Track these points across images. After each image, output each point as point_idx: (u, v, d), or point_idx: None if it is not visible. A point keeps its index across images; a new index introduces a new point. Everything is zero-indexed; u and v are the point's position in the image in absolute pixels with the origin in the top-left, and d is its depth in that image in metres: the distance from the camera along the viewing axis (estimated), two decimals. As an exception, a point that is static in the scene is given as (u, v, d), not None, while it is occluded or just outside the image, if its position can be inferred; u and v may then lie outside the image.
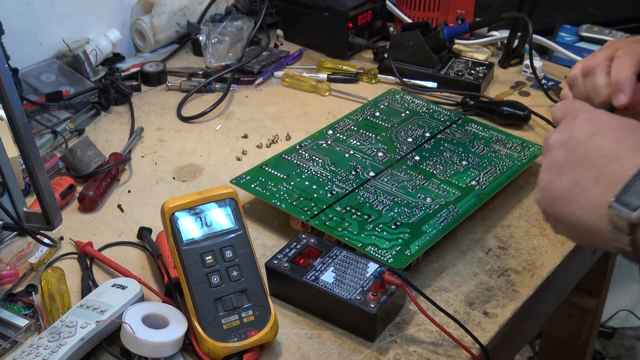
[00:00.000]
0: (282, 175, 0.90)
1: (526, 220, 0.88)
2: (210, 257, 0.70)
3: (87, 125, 1.09)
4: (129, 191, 0.95)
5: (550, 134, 0.60)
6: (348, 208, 0.84)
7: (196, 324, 0.68)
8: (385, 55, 1.22)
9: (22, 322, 0.72)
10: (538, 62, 1.19)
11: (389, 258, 0.77)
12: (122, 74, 1.21)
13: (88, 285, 0.77)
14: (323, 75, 1.21)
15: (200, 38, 1.26)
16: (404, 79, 1.18)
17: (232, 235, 0.71)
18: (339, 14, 1.25)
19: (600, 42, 1.31)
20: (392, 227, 0.81)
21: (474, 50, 1.29)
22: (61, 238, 0.85)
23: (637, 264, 0.55)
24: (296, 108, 1.15)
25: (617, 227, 0.52)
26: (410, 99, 1.09)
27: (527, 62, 1.19)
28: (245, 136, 1.07)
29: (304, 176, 0.90)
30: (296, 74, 1.22)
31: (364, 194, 0.87)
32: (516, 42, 1.24)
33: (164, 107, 1.15)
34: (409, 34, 1.19)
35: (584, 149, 0.56)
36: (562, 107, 0.63)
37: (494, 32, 1.31)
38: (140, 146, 1.05)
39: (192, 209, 0.71)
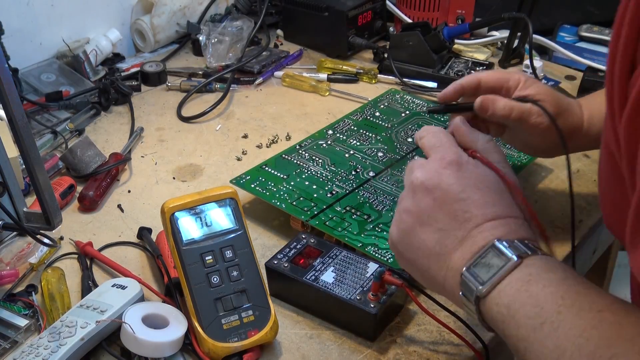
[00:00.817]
0: (282, 175, 0.90)
1: (526, 220, 0.88)
2: (210, 257, 0.70)
3: (87, 125, 1.09)
4: (129, 191, 0.95)
5: (416, 170, 0.60)
6: (348, 208, 0.84)
7: (196, 324, 0.68)
8: (385, 55, 1.22)
9: (22, 322, 0.72)
10: (538, 62, 1.19)
11: (389, 258, 0.77)
12: (122, 74, 1.21)
13: (88, 285, 0.77)
14: (323, 75, 1.21)
15: (200, 38, 1.26)
16: (404, 79, 1.18)
17: (232, 235, 0.71)
18: (339, 14, 1.25)
19: (600, 42, 1.31)
20: (392, 227, 0.81)
21: (474, 50, 1.29)
22: (61, 238, 0.85)
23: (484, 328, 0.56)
24: (296, 108, 1.15)
25: (466, 295, 0.55)
26: (410, 99, 1.09)
27: (527, 62, 1.19)
28: (245, 136, 1.07)
29: (304, 176, 0.90)
30: (296, 74, 1.22)
31: (364, 194, 0.87)
32: (516, 42, 1.24)
33: (164, 107, 1.15)
34: (409, 34, 1.19)
35: (452, 207, 0.57)
36: (433, 137, 0.63)
37: (494, 32, 1.31)
38: (140, 146, 1.05)
39: (192, 209, 0.71)
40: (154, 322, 0.69)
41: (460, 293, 0.56)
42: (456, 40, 1.25)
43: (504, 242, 0.54)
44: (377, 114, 1.05)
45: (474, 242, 0.56)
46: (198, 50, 1.29)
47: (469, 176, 0.59)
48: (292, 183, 0.88)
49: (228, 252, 0.70)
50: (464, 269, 0.55)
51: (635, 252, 0.44)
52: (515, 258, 0.53)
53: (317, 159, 0.93)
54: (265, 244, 0.85)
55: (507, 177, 0.60)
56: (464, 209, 0.57)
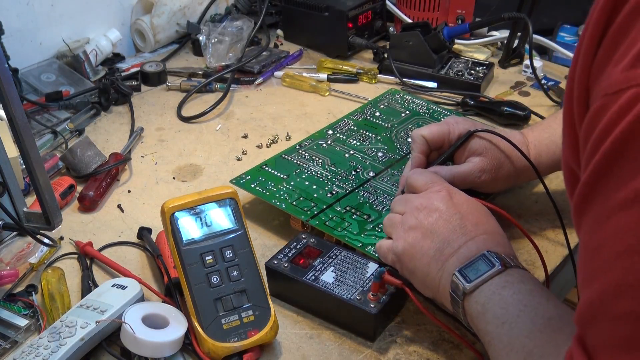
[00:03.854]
0: (282, 175, 0.90)
1: (526, 220, 0.88)
2: (210, 257, 0.70)
3: (87, 125, 1.09)
4: (129, 191, 0.95)
5: (415, 199, 0.71)
6: (348, 208, 0.84)
7: (196, 324, 0.68)
8: (385, 55, 1.22)
9: (22, 322, 0.72)
10: (538, 62, 1.19)
11: (389, 258, 0.77)
12: (122, 74, 1.21)
13: (88, 285, 0.77)
14: (323, 75, 1.21)
15: (200, 38, 1.26)
16: (404, 79, 1.18)
17: (232, 235, 0.71)
18: (339, 14, 1.25)
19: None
20: (392, 227, 0.81)
21: (474, 50, 1.29)
22: (61, 238, 0.85)
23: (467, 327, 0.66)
24: (296, 108, 1.15)
25: (454, 291, 0.64)
26: (410, 99, 1.09)
27: (527, 62, 1.19)
28: (245, 136, 1.07)
29: (304, 176, 0.90)
30: (296, 74, 1.22)
31: (364, 194, 0.87)
32: (516, 42, 1.24)
33: (164, 107, 1.15)
34: (409, 34, 1.19)
35: (450, 224, 0.68)
36: (423, 176, 0.74)
37: (494, 32, 1.31)
38: (140, 146, 1.05)
39: (192, 209, 0.71)
40: (154, 322, 0.69)
41: (450, 291, 0.64)
42: (456, 40, 1.25)
43: (493, 253, 0.64)
44: (377, 114, 1.05)
45: (468, 250, 0.65)
46: (198, 50, 1.29)
47: (460, 202, 0.70)
48: (292, 183, 0.88)
49: (228, 252, 0.70)
50: (456, 270, 0.64)
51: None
52: (499, 266, 0.62)
53: (317, 159, 0.93)
54: (265, 244, 0.85)
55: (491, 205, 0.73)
56: (461, 225, 0.68)
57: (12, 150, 0.80)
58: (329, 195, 0.86)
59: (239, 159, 1.01)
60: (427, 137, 0.81)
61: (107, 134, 1.07)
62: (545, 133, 0.83)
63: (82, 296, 0.75)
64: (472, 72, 1.18)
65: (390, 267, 0.73)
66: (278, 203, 0.85)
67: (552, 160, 0.83)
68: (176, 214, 0.70)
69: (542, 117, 1.08)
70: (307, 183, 0.88)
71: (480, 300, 0.62)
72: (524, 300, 0.60)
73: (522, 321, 0.58)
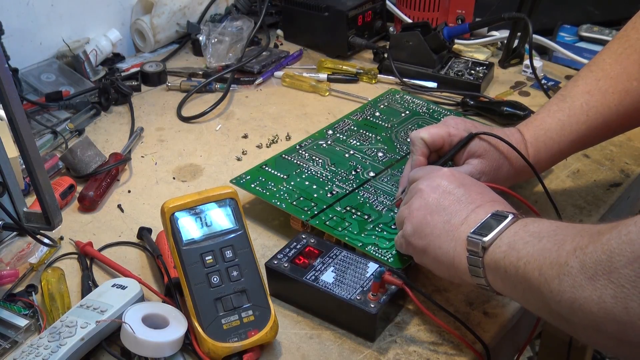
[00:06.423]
0: (282, 175, 0.90)
1: (526, 220, 0.88)
2: (210, 257, 0.70)
3: (87, 125, 1.09)
4: (129, 191, 0.95)
5: (418, 182, 0.73)
6: (348, 208, 0.84)
7: (196, 324, 0.68)
8: (385, 55, 1.22)
9: (22, 322, 0.72)
10: (538, 62, 1.19)
11: (389, 258, 0.77)
12: (122, 74, 1.21)
13: (88, 285, 0.77)
14: (323, 75, 1.21)
15: (200, 38, 1.26)
16: (404, 79, 1.18)
17: (232, 235, 0.71)
18: (339, 14, 1.25)
19: (601, 42, 1.31)
20: (392, 227, 0.81)
21: (474, 50, 1.29)
22: (61, 238, 0.85)
23: (491, 292, 0.65)
24: (296, 108, 1.15)
25: (472, 253, 0.64)
26: (410, 99, 1.09)
27: (527, 62, 1.19)
28: (245, 136, 1.07)
29: (304, 176, 0.90)
30: (296, 74, 1.22)
31: (364, 194, 0.87)
32: (516, 42, 1.24)
33: (164, 107, 1.15)
34: (409, 34, 1.19)
35: (454, 196, 0.70)
36: (424, 170, 0.76)
37: (494, 32, 1.31)
38: (140, 146, 1.05)
39: (192, 209, 0.71)
40: (154, 322, 0.69)
41: (468, 255, 0.64)
42: (456, 40, 1.25)
43: (503, 211, 0.66)
44: (377, 114, 1.05)
45: (477, 215, 0.67)
46: (198, 50, 1.29)
47: (462, 177, 0.72)
48: (292, 183, 0.88)
49: (228, 252, 0.70)
50: (470, 232, 0.65)
51: None
52: (512, 217, 0.64)
53: (317, 159, 0.93)
54: (265, 244, 0.85)
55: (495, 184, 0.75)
56: (466, 195, 0.69)
57: (12, 150, 0.80)
58: (329, 195, 0.87)
59: (239, 159, 1.01)
60: (426, 139, 0.81)
61: (107, 134, 1.07)
62: (540, 130, 0.83)
63: (82, 296, 0.75)
64: (472, 72, 1.18)
65: (390, 267, 0.73)
66: (278, 203, 0.85)
67: (550, 155, 0.83)
68: (176, 214, 0.70)
69: (542, 117, 1.07)
70: (307, 183, 0.88)
71: (504, 243, 0.61)
72: (553, 225, 0.59)
73: (562, 230, 0.57)
